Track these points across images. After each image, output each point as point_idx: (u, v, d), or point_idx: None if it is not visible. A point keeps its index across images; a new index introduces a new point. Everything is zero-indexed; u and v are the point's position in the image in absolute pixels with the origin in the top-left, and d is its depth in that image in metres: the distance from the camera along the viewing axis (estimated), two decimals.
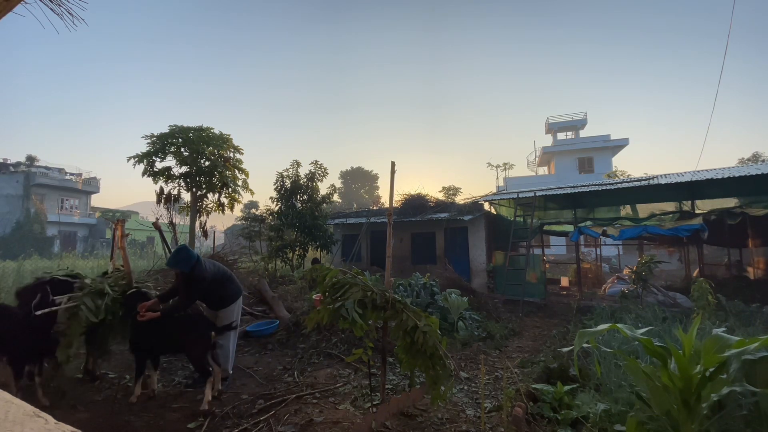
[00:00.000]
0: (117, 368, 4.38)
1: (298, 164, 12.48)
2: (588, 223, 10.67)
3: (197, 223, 9.58)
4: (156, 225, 7.28)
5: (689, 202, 9.34)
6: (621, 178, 17.84)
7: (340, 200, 42.57)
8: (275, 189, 12.39)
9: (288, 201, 12.22)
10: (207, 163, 9.31)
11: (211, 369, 3.62)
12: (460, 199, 15.95)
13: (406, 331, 2.93)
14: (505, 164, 36.53)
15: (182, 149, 9.26)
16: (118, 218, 4.57)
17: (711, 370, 2.05)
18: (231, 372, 4.12)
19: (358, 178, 52.62)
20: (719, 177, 7.39)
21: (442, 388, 2.93)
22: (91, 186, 32.96)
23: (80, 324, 3.45)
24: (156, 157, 9.06)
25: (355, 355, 3.16)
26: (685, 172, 9.61)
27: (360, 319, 2.81)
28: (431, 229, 11.99)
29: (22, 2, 1.39)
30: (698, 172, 9.45)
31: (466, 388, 3.93)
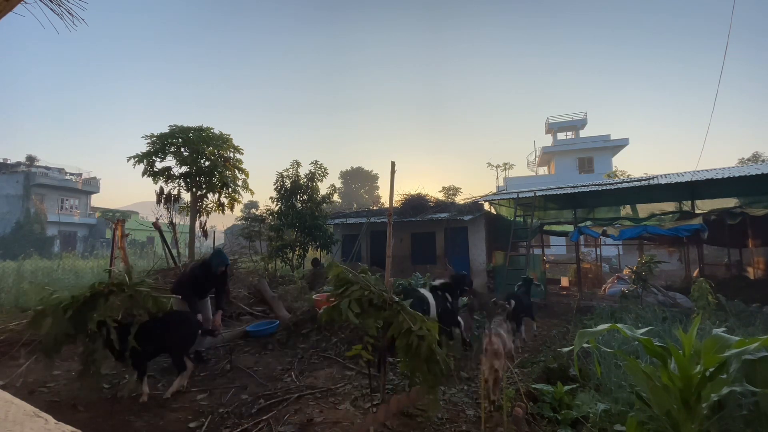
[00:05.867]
0: (117, 368, 4.38)
1: (298, 164, 12.47)
2: (588, 223, 10.67)
3: (197, 223, 9.56)
4: (156, 225, 7.31)
5: (689, 202, 9.34)
6: (621, 178, 17.82)
7: (340, 200, 42.55)
8: (275, 189, 12.38)
9: (288, 201, 12.21)
10: (207, 163, 9.29)
11: (186, 365, 3.85)
12: (460, 199, 15.96)
13: (402, 333, 2.94)
14: (505, 164, 36.61)
15: (182, 149, 9.24)
16: (118, 218, 4.58)
17: (711, 370, 2.05)
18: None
19: (358, 178, 52.62)
20: (719, 177, 7.39)
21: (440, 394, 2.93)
22: (91, 186, 32.99)
23: None
24: (156, 157, 9.03)
25: (356, 350, 3.16)
26: (685, 172, 9.59)
27: (355, 318, 2.85)
28: (431, 229, 11.99)
29: (22, 2, 1.39)
30: (698, 172, 9.43)
31: (466, 388, 3.92)
